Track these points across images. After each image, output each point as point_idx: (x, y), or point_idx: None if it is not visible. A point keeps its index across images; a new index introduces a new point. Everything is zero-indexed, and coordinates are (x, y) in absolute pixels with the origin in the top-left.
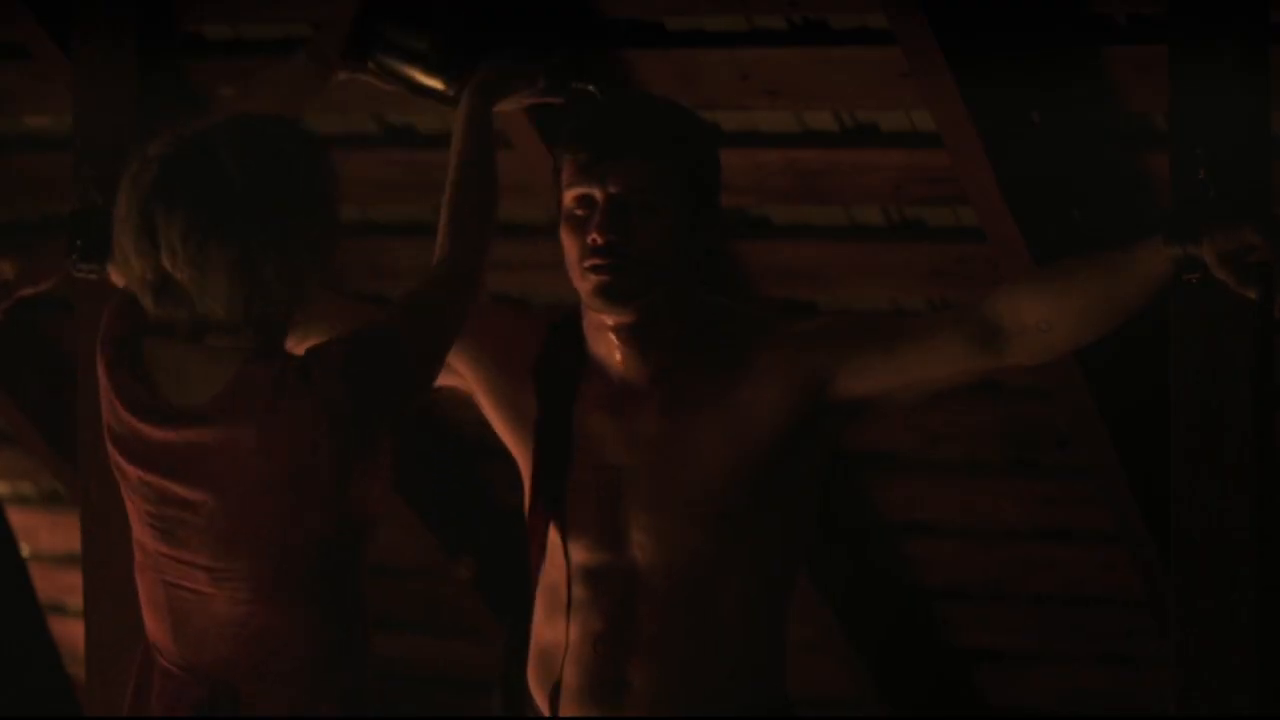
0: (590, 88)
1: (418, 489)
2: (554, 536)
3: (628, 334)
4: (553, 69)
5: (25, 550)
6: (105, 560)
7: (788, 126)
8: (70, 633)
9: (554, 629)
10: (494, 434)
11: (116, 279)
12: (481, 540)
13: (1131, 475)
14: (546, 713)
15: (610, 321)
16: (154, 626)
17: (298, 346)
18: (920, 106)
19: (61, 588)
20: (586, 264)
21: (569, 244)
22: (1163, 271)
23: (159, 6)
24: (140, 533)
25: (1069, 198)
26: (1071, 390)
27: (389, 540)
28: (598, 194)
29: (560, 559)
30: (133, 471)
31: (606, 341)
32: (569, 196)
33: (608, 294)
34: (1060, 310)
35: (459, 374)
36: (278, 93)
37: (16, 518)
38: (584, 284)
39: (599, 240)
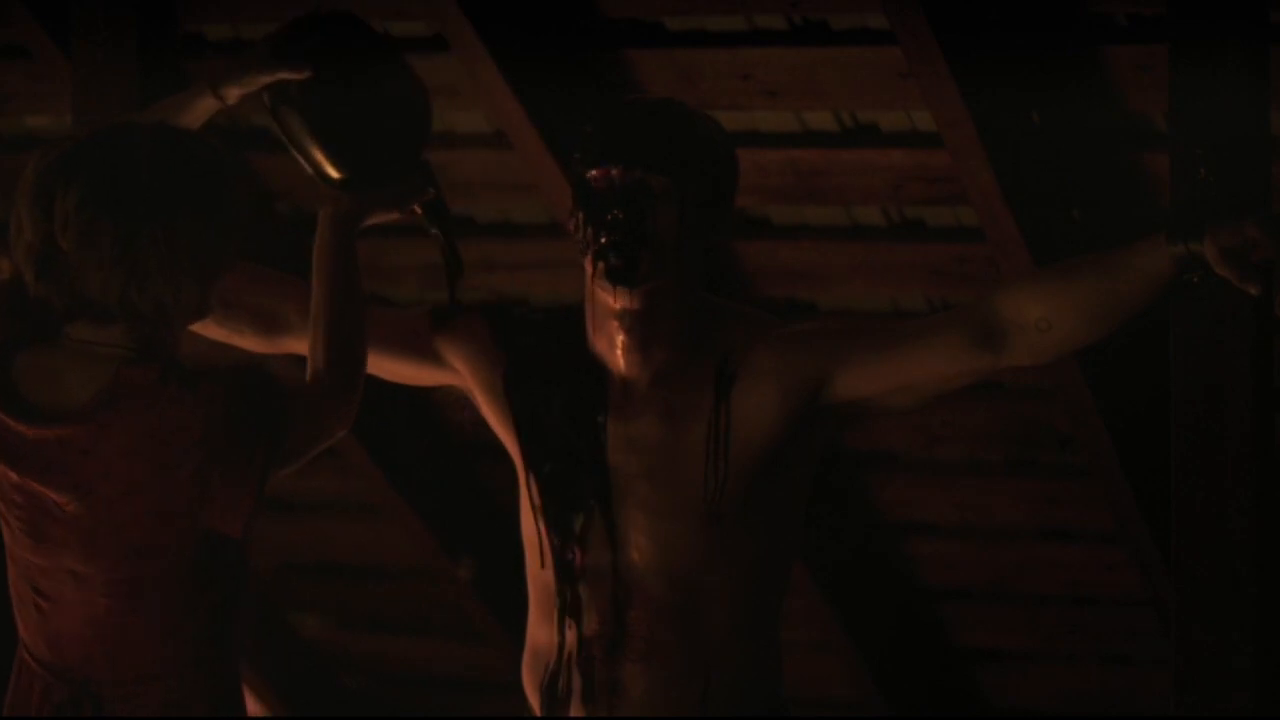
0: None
1: (418, 489)
2: (548, 537)
3: (631, 323)
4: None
5: None
6: None
7: (788, 126)
8: None
9: (547, 630)
10: (494, 434)
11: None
12: (481, 540)
13: (1131, 475)
14: (539, 713)
15: (616, 306)
16: (22, 625)
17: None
18: (920, 106)
19: None
20: (603, 240)
21: (585, 224)
22: (1164, 270)
23: (159, 6)
24: (9, 536)
25: (1069, 198)
26: (1071, 390)
27: (389, 540)
28: (619, 173)
29: (554, 560)
30: (4, 473)
31: (608, 338)
32: (592, 174)
33: (617, 274)
34: (1061, 310)
35: (458, 373)
36: (174, 116)
37: None
38: (596, 264)
39: (620, 215)
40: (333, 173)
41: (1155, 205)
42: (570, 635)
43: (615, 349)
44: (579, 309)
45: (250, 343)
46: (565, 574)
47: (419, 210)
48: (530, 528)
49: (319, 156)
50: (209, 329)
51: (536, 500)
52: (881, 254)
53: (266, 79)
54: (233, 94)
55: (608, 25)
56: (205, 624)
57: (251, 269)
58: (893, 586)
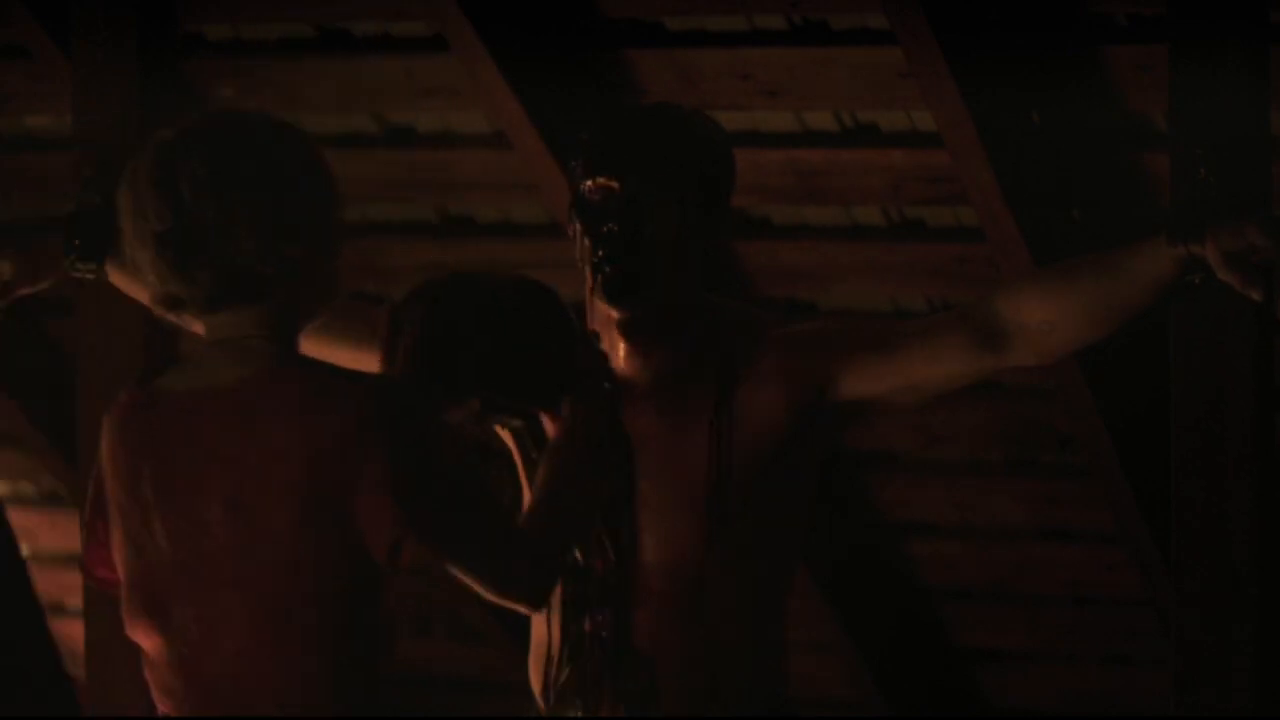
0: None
1: None
2: None
3: (632, 330)
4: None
5: (25, 550)
6: None
7: (788, 126)
8: (70, 633)
9: (550, 627)
10: (493, 433)
11: (116, 279)
12: None
13: (1131, 475)
14: (543, 708)
15: (616, 316)
16: (154, 685)
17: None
18: (920, 106)
19: (61, 588)
20: (600, 253)
21: (582, 235)
22: (1165, 272)
23: (159, 6)
24: (141, 573)
25: (1069, 198)
26: (1071, 390)
27: None
28: (616, 185)
29: None
30: (144, 508)
31: (609, 342)
32: (587, 186)
33: (616, 287)
34: (1062, 311)
35: None
36: None
37: (16, 518)
38: (594, 277)
39: (615, 228)
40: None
41: (1155, 205)
42: (574, 633)
43: (616, 352)
44: (579, 309)
45: None
46: (569, 572)
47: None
48: None
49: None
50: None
51: None
52: (881, 254)
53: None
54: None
55: (608, 25)
56: (352, 651)
57: None
58: (893, 586)
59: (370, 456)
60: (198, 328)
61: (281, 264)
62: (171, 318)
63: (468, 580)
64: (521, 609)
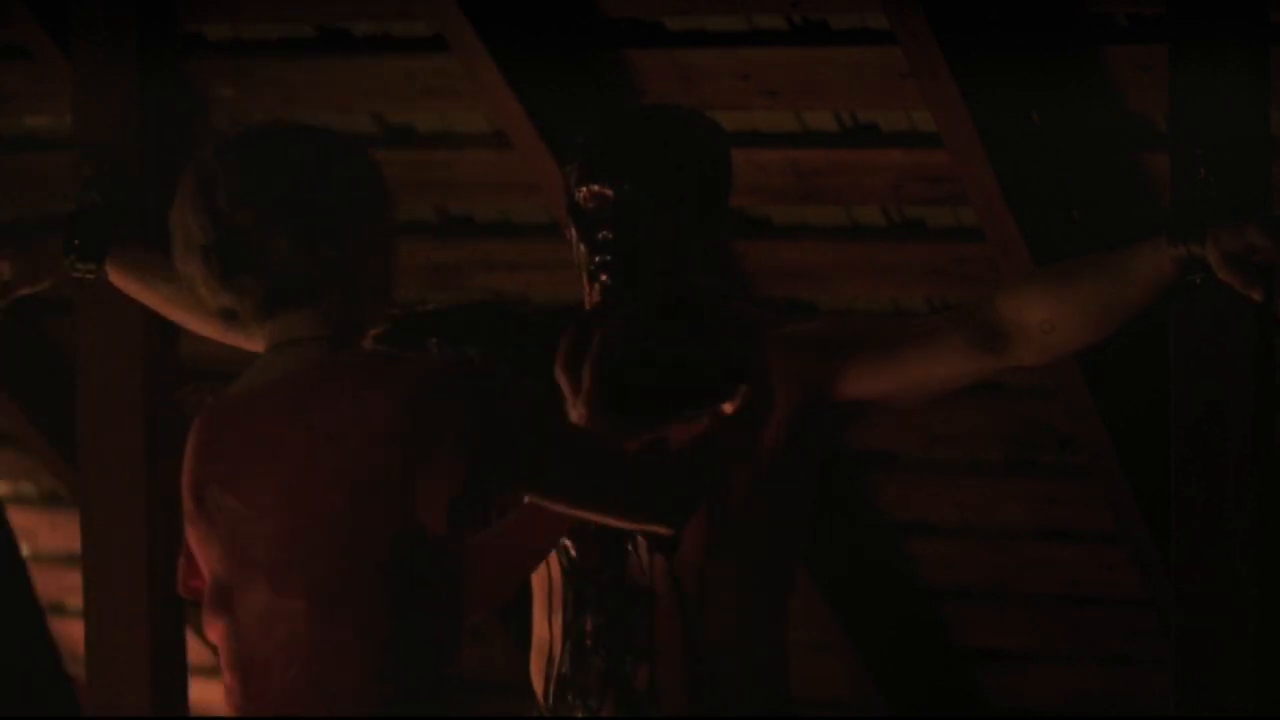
0: None
1: None
2: None
3: (629, 333)
4: None
5: (25, 550)
6: (105, 560)
7: (788, 126)
8: (70, 633)
9: (551, 626)
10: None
11: (116, 279)
12: None
13: (1131, 475)
14: (544, 708)
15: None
16: (226, 670)
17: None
18: (920, 106)
19: (61, 588)
20: (596, 260)
21: (578, 241)
22: (1165, 272)
23: (159, 6)
24: (217, 572)
25: (1069, 198)
26: (1071, 390)
27: None
28: (610, 191)
29: (557, 557)
30: (215, 509)
31: None
32: (582, 193)
33: (615, 292)
34: (1062, 311)
35: None
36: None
37: (16, 518)
38: (591, 284)
39: (610, 236)
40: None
41: (1155, 205)
42: (574, 631)
43: None
44: (578, 308)
45: (257, 346)
46: (570, 570)
47: None
48: None
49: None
50: (215, 332)
51: None
52: (881, 254)
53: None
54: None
55: (608, 25)
56: (408, 633)
57: None
58: (893, 586)
59: (438, 427)
60: (258, 343)
61: (323, 266)
62: (235, 334)
63: (599, 517)
64: (661, 531)
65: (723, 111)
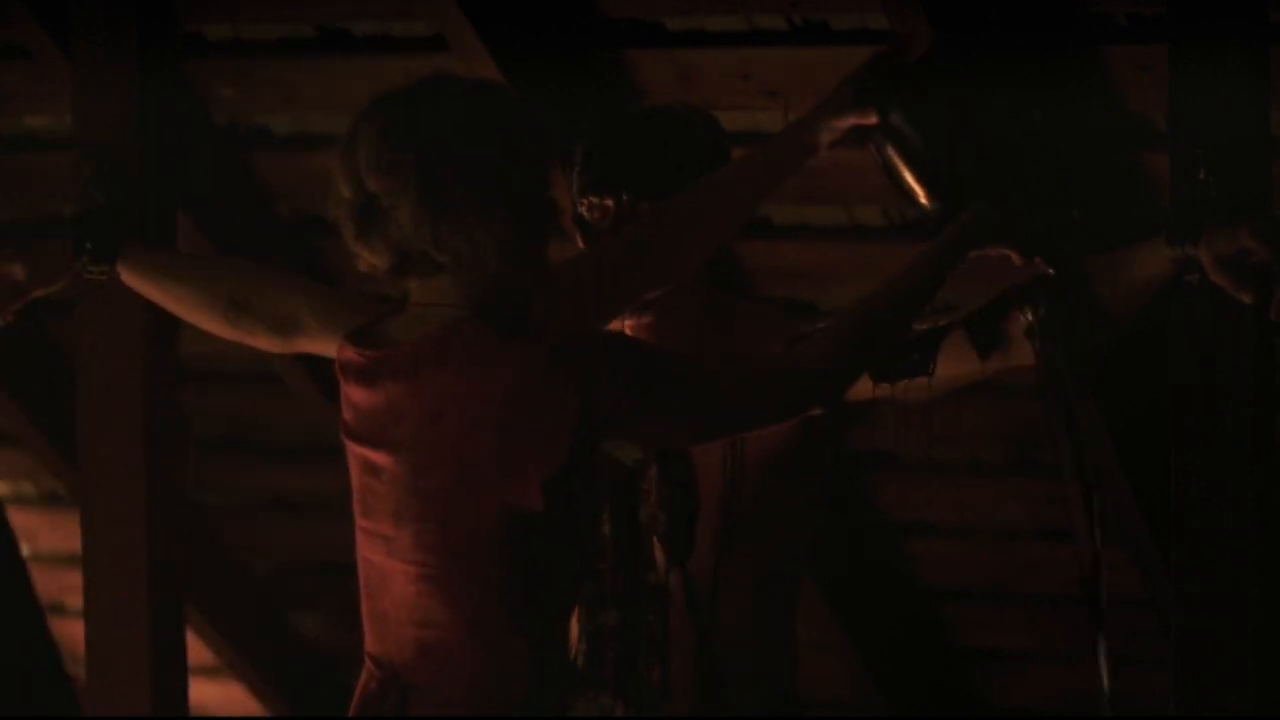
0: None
1: None
2: None
3: (645, 335)
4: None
5: (25, 550)
6: (105, 560)
7: None
8: (70, 633)
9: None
10: None
11: (127, 279)
12: None
13: (1131, 475)
14: None
15: (629, 324)
16: (363, 615)
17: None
18: None
19: (61, 588)
20: None
21: (583, 249)
22: (1164, 272)
23: (159, 6)
24: (355, 513)
25: (1069, 198)
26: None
27: None
28: (610, 202)
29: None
30: (351, 447)
31: None
32: (584, 205)
33: None
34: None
35: None
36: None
37: (16, 518)
38: None
39: None
40: (926, 204)
41: (1155, 205)
42: (589, 629)
43: None
44: None
45: (264, 343)
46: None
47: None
48: None
49: (916, 188)
50: (224, 330)
51: None
52: (881, 254)
53: (846, 125)
54: (823, 140)
55: (608, 25)
56: (512, 611)
57: (266, 271)
58: (893, 586)
59: (538, 415)
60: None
61: (444, 249)
62: (241, 332)
63: (755, 426)
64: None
65: (723, 111)
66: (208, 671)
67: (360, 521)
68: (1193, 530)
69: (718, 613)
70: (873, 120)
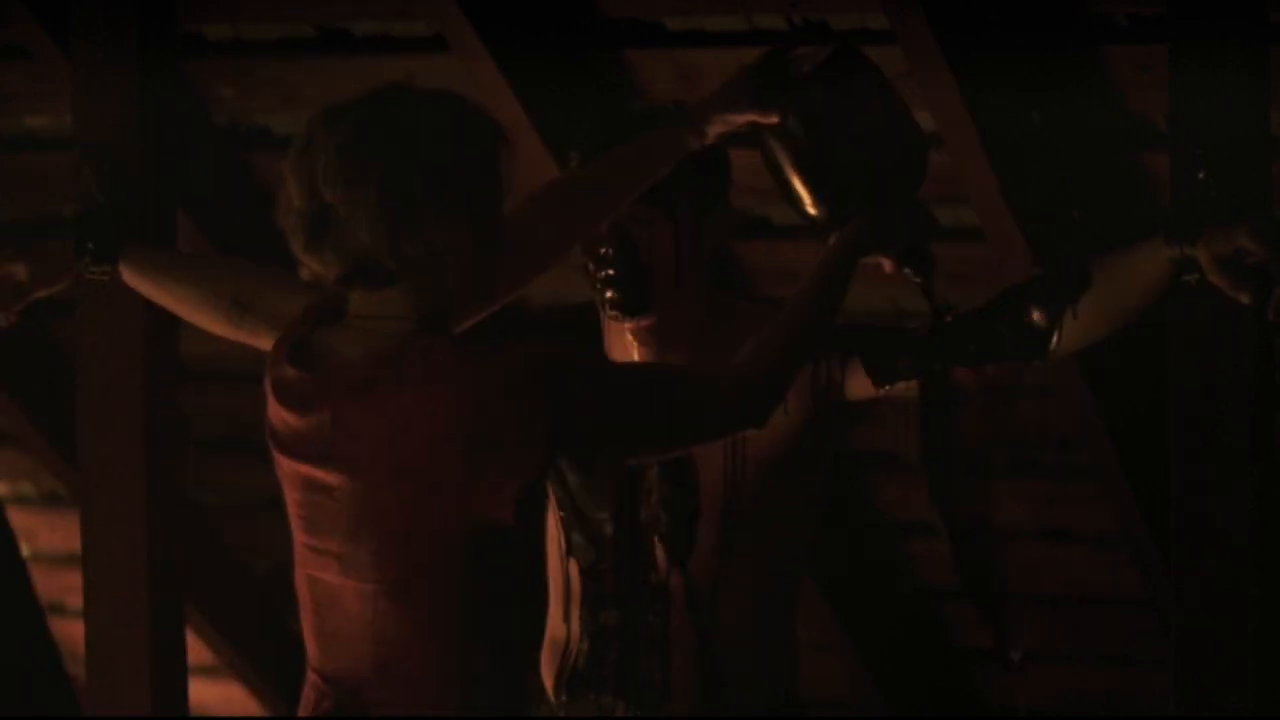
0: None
1: None
2: (568, 532)
3: (645, 337)
4: (912, 250)
5: (25, 550)
6: (105, 560)
7: None
8: (70, 633)
9: (569, 623)
10: None
11: (129, 279)
12: None
13: (1131, 475)
14: (554, 700)
15: (628, 327)
16: (305, 632)
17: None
18: (920, 106)
19: (61, 588)
20: (600, 275)
21: (583, 255)
22: (1163, 272)
23: (159, 6)
24: (293, 529)
25: (1069, 198)
26: (1071, 390)
27: None
28: None
29: (576, 557)
30: (287, 464)
31: (623, 343)
32: None
33: (622, 307)
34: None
35: None
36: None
37: (16, 518)
38: (598, 295)
39: (611, 252)
40: (813, 211)
41: (1155, 205)
42: (590, 628)
43: (632, 357)
44: (591, 308)
45: (266, 343)
46: (588, 569)
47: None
48: (551, 523)
49: (805, 195)
50: (226, 330)
51: (555, 496)
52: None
53: (744, 119)
54: (712, 135)
55: (608, 25)
56: (477, 625)
57: (268, 271)
58: (892, 586)
59: (507, 426)
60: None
61: (401, 262)
62: (243, 332)
63: (694, 446)
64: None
65: None
66: (208, 671)
67: (303, 539)
68: (1193, 530)
69: (718, 613)
70: (774, 120)
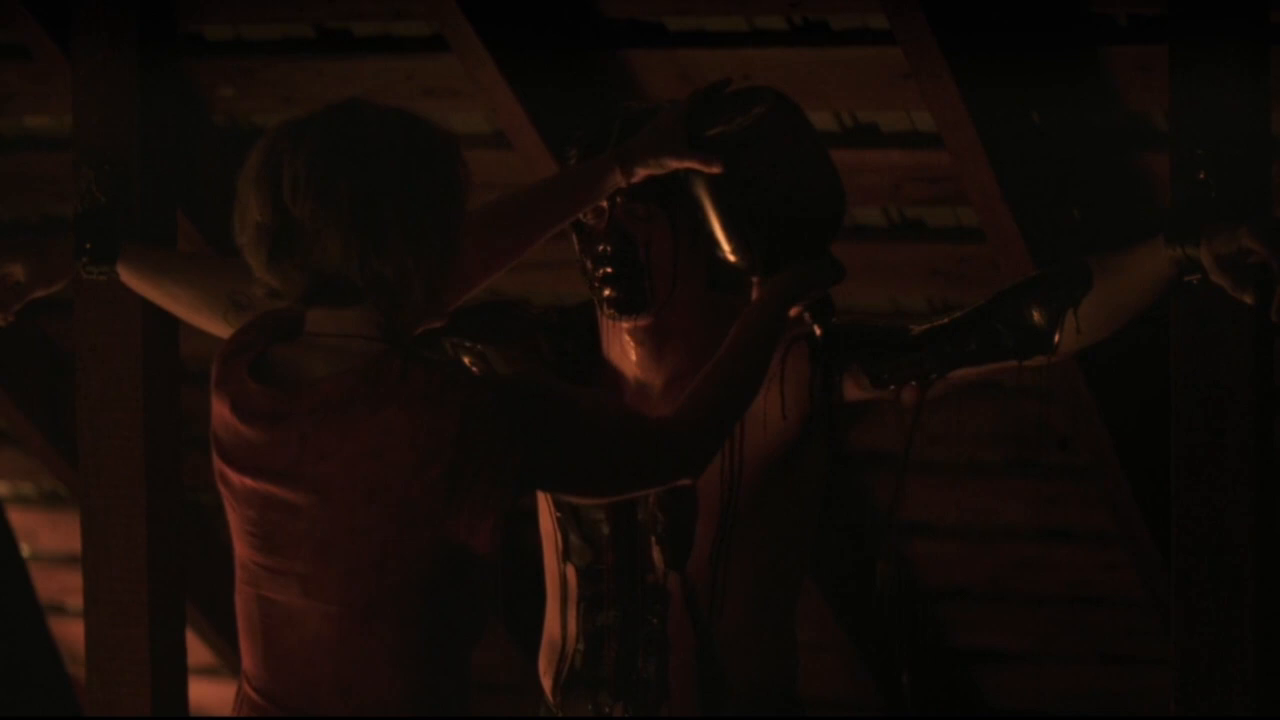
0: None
1: None
2: (565, 533)
3: (643, 336)
4: (819, 305)
5: (25, 550)
6: (105, 560)
7: None
8: (70, 633)
9: (565, 624)
10: None
11: (127, 279)
12: None
13: (1131, 475)
14: (553, 703)
15: (626, 326)
16: (246, 650)
17: None
18: (920, 106)
19: (61, 588)
20: (598, 273)
21: (580, 253)
22: (1165, 273)
23: (159, 6)
24: (240, 546)
25: (1069, 198)
26: (1072, 390)
27: None
28: (604, 204)
29: (574, 558)
30: (239, 480)
31: (621, 343)
32: None
33: (620, 306)
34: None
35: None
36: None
37: (16, 518)
38: (596, 294)
39: (609, 249)
40: (736, 258)
41: (1155, 205)
42: (588, 629)
43: (629, 357)
44: (589, 308)
45: None
46: (585, 570)
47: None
48: (548, 524)
49: (732, 244)
50: (225, 330)
51: (553, 497)
52: (881, 254)
53: (679, 165)
54: (640, 175)
55: (608, 25)
56: (442, 652)
57: None
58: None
59: (482, 458)
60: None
61: (369, 278)
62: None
63: (633, 495)
64: (685, 484)
65: None
66: (208, 671)
67: (258, 559)
68: (1193, 530)
69: (717, 613)
70: (716, 170)
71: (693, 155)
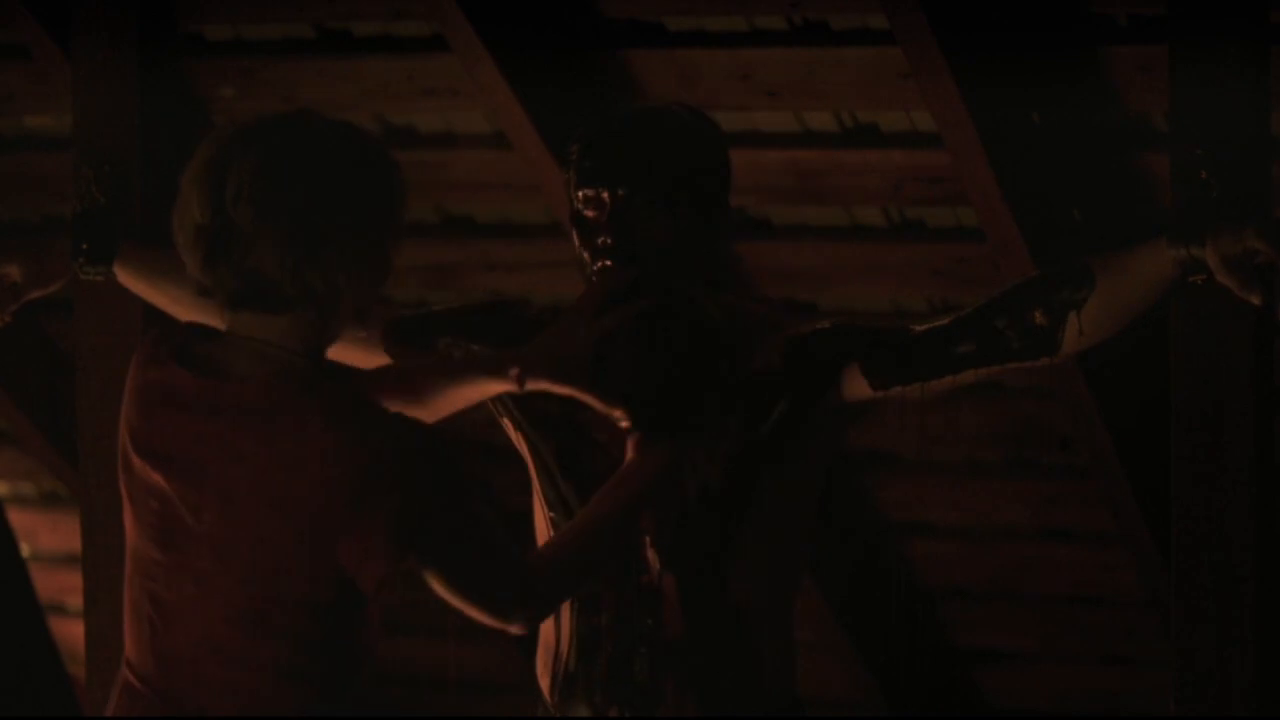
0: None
1: None
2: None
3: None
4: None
5: (25, 550)
6: (105, 560)
7: (788, 126)
8: (70, 633)
9: (559, 625)
10: (497, 433)
11: (124, 279)
12: None
13: (1131, 475)
14: (551, 703)
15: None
16: (132, 640)
17: None
18: (920, 106)
19: (61, 588)
20: (596, 266)
21: (579, 246)
22: (1167, 273)
23: (159, 6)
24: (136, 539)
25: (1069, 198)
26: (1072, 390)
27: None
28: (606, 196)
29: None
30: (146, 472)
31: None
32: (579, 198)
33: (618, 302)
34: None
35: None
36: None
37: (16, 518)
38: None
39: (609, 242)
40: (622, 423)
41: (1155, 205)
42: (584, 628)
43: None
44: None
45: None
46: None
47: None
48: (542, 524)
49: (613, 412)
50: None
51: (550, 497)
52: (881, 254)
53: (568, 393)
54: (532, 388)
55: (608, 25)
56: (329, 672)
57: None
58: (892, 586)
59: (377, 495)
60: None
61: (301, 288)
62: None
63: (457, 605)
64: (510, 631)
65: (723, 111)
66: None
67: (153, 554)
68: (1193, 530)
69: (715, 613)
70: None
71: (586, 391)
